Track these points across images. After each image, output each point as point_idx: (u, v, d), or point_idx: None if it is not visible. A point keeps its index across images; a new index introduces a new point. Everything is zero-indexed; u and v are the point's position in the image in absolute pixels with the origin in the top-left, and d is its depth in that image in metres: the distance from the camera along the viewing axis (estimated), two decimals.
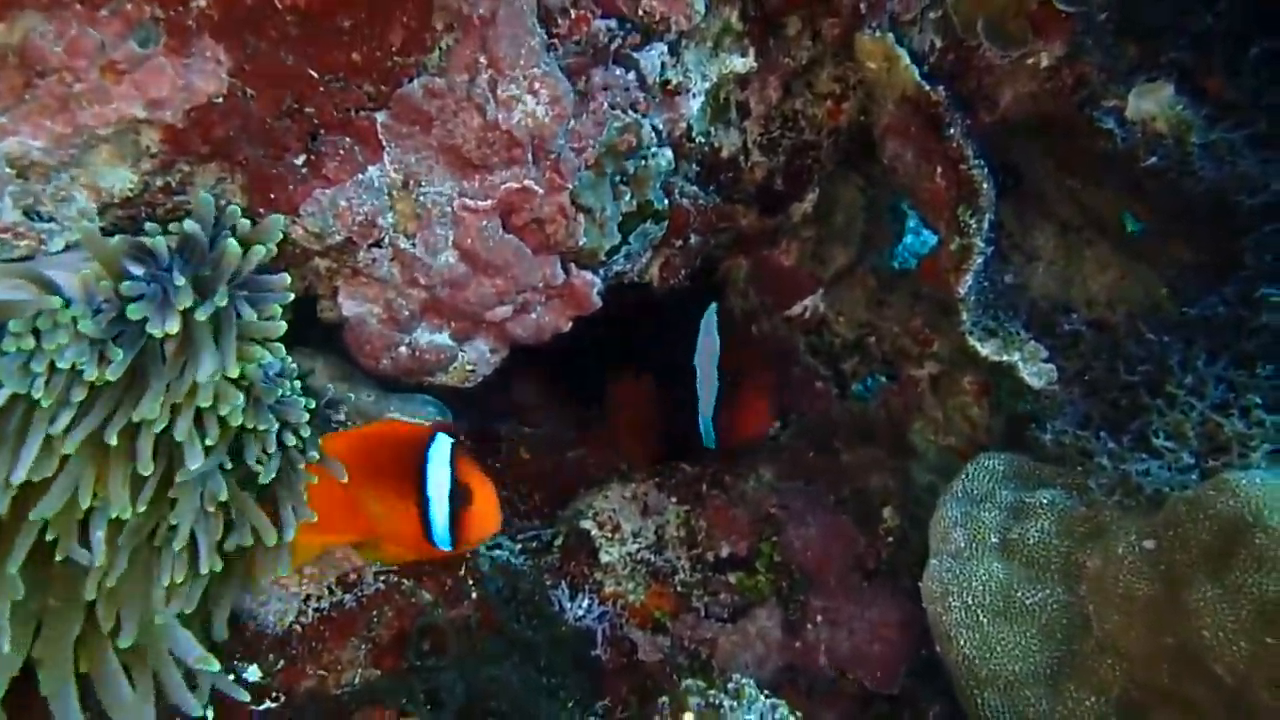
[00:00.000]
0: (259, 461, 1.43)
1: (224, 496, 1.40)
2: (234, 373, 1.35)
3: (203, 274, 1.38)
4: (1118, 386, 1.76)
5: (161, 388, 1.30)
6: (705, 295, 2.31)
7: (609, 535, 2.25)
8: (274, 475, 1.46)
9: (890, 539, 2.27)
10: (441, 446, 1.53)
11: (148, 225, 1.39)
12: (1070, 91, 1.88)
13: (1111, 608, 1.55)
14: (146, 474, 1.31)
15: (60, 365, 1.25)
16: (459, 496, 1.53)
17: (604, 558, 2.22)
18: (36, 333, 1.25)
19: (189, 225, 1.38)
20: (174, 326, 1.30)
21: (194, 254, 1.39)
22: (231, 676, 1.66)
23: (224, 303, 1.35)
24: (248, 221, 1.46)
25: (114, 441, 1.28)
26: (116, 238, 1.34)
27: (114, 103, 1.28)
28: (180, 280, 1.32)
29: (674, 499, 2.30)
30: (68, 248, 1.35)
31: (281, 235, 1.47)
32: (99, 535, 1.34)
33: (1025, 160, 2.18)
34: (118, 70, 1.27)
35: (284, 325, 1.43)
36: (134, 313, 1.29)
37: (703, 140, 2.08)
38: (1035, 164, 2.17)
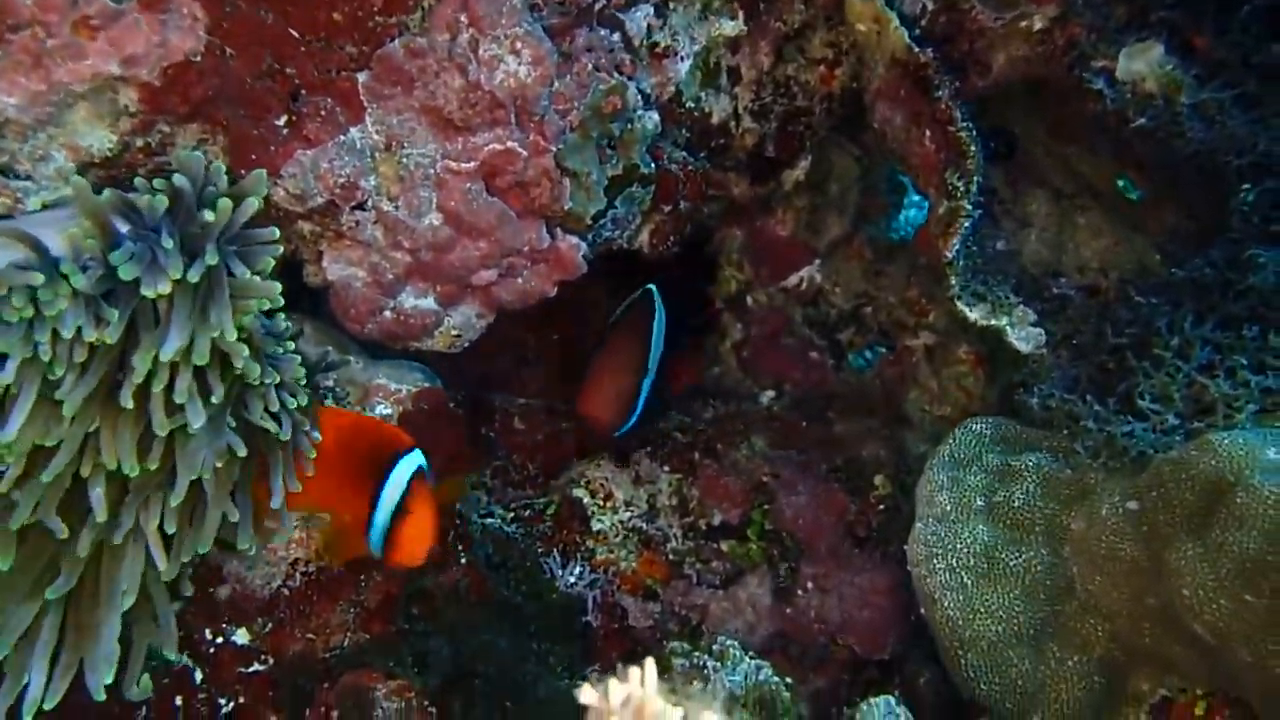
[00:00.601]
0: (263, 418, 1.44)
1: (242, 452, 1.41)
2: (232, 335, 1.35)
3: (191, 231, 1.38)
4: (1105, 350, 1.76)
5: (152, 346, 1.31)
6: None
7: (601, 503, 2.26)
8: (287, 433, 1.47)
9: (882, 507, 2.28)
10: (409, 462, 1.56)
11: (137, 181, 1.39)
12: (1061, 53, 1.86)
13: (1095, 569, 1.55)
14: (162, 433, 1.32)
15: (64, 332, 1.24)
16: (400, 514, 1.55)
17: (596, 525, 2.23)
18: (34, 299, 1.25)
19: (178, 180, 1.37)
20: (166, 287, 1.31)
21: (181, 211, 1.39)
22: (220, 639, 1.67)
23: (214, 261, 1.35)
24: (228, 178, 1.45)
25: (129, 404, 1.29)
26: (106, 192, 1.33)
27: (88, 59, 1.28)
28: (169, 242, 1.31)
29: (666, 468, 2.30)
30: (45, 207, 1.35)
31: (265, 191, 1.47)
32: (98, 493, 1.35)
33: (1018, 126, 2.17)
34: (91, 26, 1.27)
35: (278, 285, 1.43)
36: (126, 273, 1.29)
37: (692, 105, 2.06)
38: (1028, 129, 2.15)
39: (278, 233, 1.45)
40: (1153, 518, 1.48)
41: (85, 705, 1.51)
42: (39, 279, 1.19)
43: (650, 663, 0.87)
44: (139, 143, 1.44)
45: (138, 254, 1.30)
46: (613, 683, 0.87)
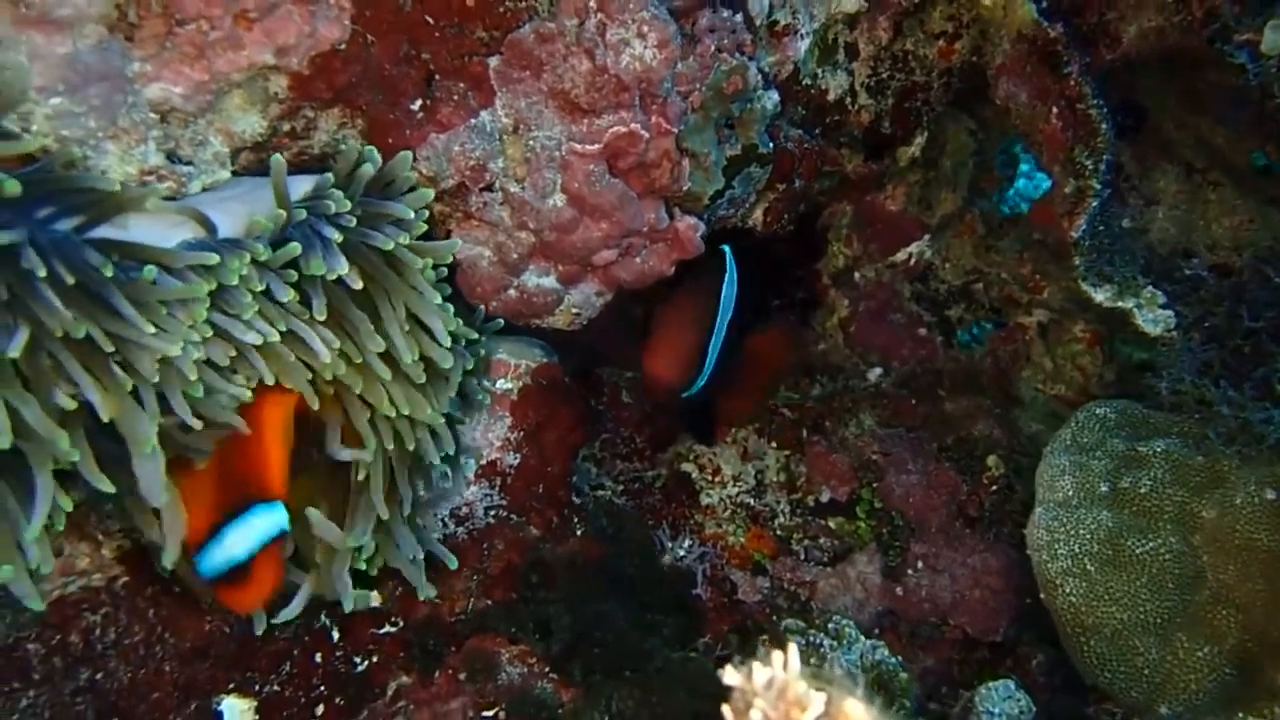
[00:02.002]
0: None
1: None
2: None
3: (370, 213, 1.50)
4: (1240, 333, 1.70)
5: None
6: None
7: (709, 478, 2.28)
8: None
9: (994, 487, 2.26)
10: (268, 520, 1.43)
11: (324, 177, 1.49)
12: (1200, 25, 1.80)
13: (1229, 559, 1.52)
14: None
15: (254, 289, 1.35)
16: (234, 573, 1.42)
17: (704, 500, 2.26)
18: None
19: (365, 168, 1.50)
20: (344, 267, 1.41)
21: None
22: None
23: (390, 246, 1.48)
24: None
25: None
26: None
27: (246, 50, 1.34)
28: (335, 235, 1.41)
29: (774, 444, 2.32)
30: (204, 189, 1.43)
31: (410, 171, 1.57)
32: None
33: (1147, 99, 2.10)
34: (249, 18, 1.33)
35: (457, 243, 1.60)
36: (316, 268, 1.39)
37: (809, 83, 2.05)
38: (1157, 103, 2.08)
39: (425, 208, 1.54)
40: None
41: (235, 652, 1.61)
42: (213, 259, 1.27)
43: (794, 647, 0.89)
44: (285, 127, 1.51)
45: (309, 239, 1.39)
46: (756, 665, 0.89)
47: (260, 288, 1.36)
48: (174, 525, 1.37)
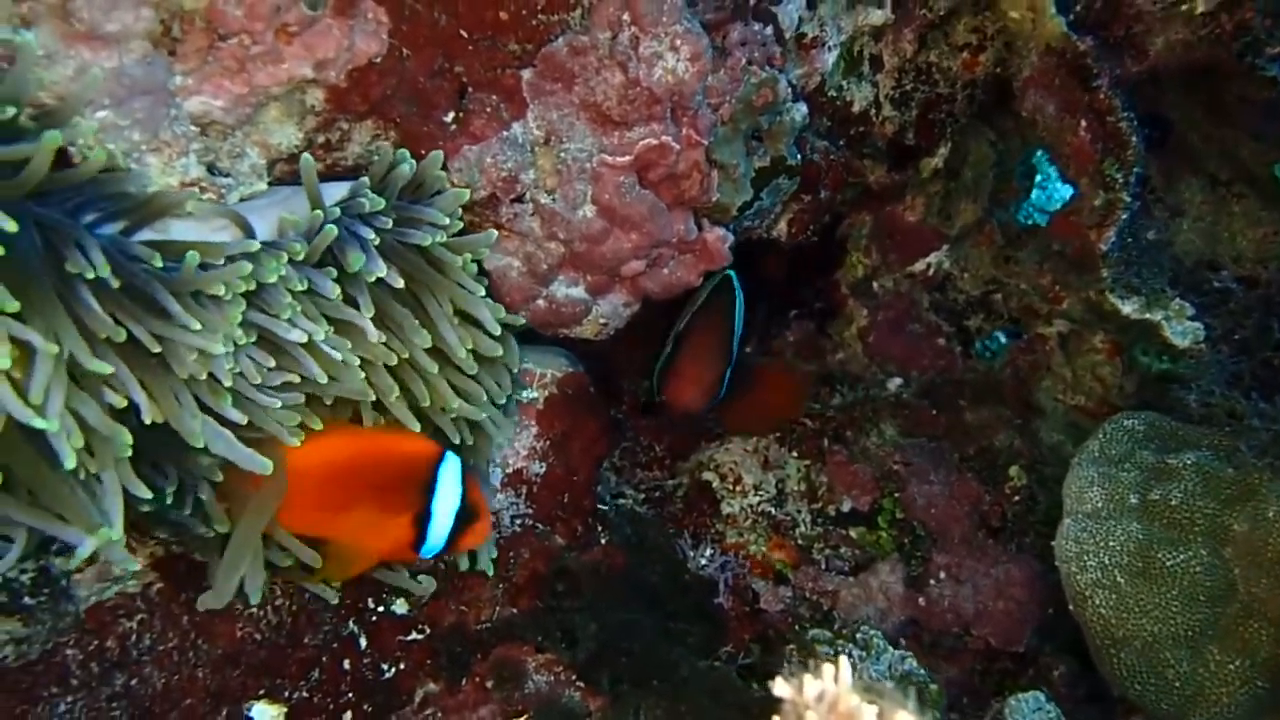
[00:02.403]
0: None
1: None
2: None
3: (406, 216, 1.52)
4: (1271, 345, 1.70)
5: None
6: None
7: (730, 487, 2.29)
8: None
9: (1016, 498, 2.26)
10: (451, 468, 1.57)
11: (360, 181, 1.50)
12: (1230, 38, 1.80)
13: (1261, 572, 1.52)
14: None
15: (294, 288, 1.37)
16: (465, 515, 1.57)
17: (725, 509, 2.26)
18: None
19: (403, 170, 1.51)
20: (382, 270, 1.43)
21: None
22: (381, 609, 1.76)
23: (428, 241, 1.50)
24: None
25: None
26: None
27: (286, 64, 1.36)
28: (371, 234, 1.42)
29: (795, 453, 2.32)
30: (242, 200, 1.44)
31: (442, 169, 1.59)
32: None
33: (1174, 111, 2.10)
34: (289, 32, 1.34)
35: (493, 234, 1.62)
36: (355, 263, 1.40)
37: (834, 94, 2.06)
38: (1185, 115, 2.08)
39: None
40: None
41: (266, 658, 1.62)
42: (255, 246, 1.29)
43: (845, 660, 0.90)
44: (320, 139, 1.52)
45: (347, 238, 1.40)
46: (808, 678, 0.90)
47: (301, 287, 1.36)
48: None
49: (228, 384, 1.29)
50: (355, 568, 1.63)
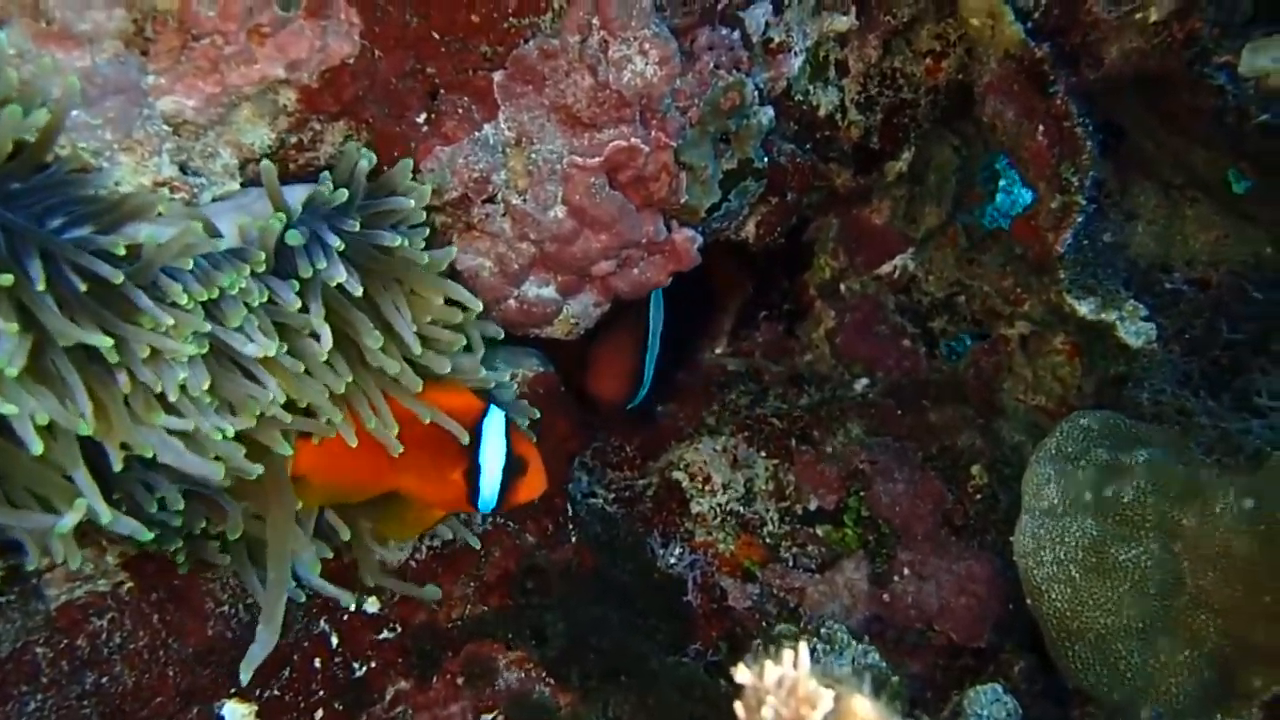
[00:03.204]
0: None
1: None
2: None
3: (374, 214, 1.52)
4: (1219, 345, 1.76)
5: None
6: None
7: (700, 486, 2.31)
8: None
9: (979, 496, 2.30)
10: (496, 419, 1.63)
11: (322, 176, 1.51)
12: (1180, 47, 1.85)
13: (1208, 565, 1.57)
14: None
15: (252, 303, 1.37)
16: (513, 466, 1.63)
17: (694, 508, 2.29)
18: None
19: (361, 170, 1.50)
20: (343, 275, 1.44)
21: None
22: (354, 607, 1.78)
23: (397, 242, 1.50)
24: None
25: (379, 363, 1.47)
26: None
27: (259, 64, 1.37)
28: (336, 241, 1.42)
29: (763, 453, 2.35)
30: (214, 200, 1.45)
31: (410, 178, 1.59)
32: None
33: (1129, 117, 2.16)
34: (262, 33, 1.35)
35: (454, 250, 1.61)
36: (305, 271, 1.41)
37: (801, 98, 2.10)
38: (1139, 121, 2.14)
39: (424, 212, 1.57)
40: (1270, 515, 1.49)
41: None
42: (222, 244, 1.29)
43: (804, 646, 0.93)
44: (293, 139, 1.53)
45: (310, 239, 1.41)
46: (768, 663, 0.92)
47: (260, 300, 1.37)
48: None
49: (173, 397, 1.30)
50: (417, 523, 1.70)
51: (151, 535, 1.37)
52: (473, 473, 1.62)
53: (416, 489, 1.65)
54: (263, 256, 1.38)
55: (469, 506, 1.66)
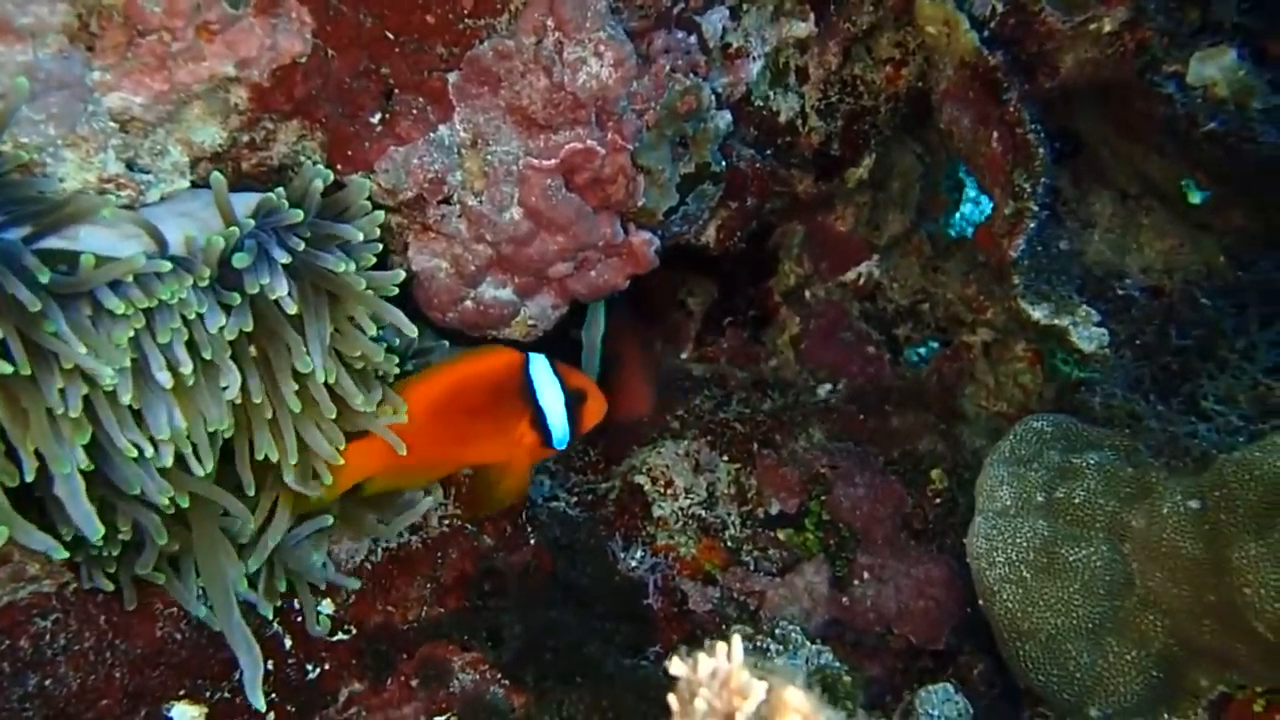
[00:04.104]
0: None
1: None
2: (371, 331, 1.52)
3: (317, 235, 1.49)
4: (1169, 351, 1.78)
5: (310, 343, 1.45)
6: None
7: (662, 490, 2.31)
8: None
9: (939, 500, 2.32)
10: (539, 363, 1.70)
11: (277, 191, 1.49)
12: (1131, 57, 1.88)
13: (1156, 565, 1.59)
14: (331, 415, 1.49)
15: (189, 315, 1.34)
16: (573, 399, 1.71)
17: (656, 511, 2.29)
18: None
19: (313, 184, 1.49)
20: (284, 289, 1.41)
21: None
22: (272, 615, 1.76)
23: (342, 268, 1.47)
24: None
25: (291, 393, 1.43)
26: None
27: (207, 61, 1.37)
28: (284, 257, 1.41)
29: (725, 457, 2.35)
30: (163, 199, 1.44)
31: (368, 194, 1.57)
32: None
33: (1084, 127, 2.19)
34: (211, 30, 1.35)
35: (400, 274, 1.58)
36: (251, 288, 1.39)
37: (761, 104, 2.11)
38: (1094, 131, 2.17)
39: (377, 232, 1.54)
40: (1215, 517, 1.51)
41: (186, 658, 1.62)
42: (166, 266, 1.27)
43: (737, 639, 0.93)
44: (245, 138, 1.53)
45: (258, 256, 1.39)
46: (701, 656, 0.93)
47: (200, 309, 1.35)
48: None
49: (74, 415, 1.27)
50: (510, 486, 1.76)
51: (67, 554, 1.35)
52: (539, 419, 1.69)
53: (491, 455, 1.73)
54: (207, 273, 1.36)
55: (548, 450, 1.74)
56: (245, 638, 1.57)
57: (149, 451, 1.34)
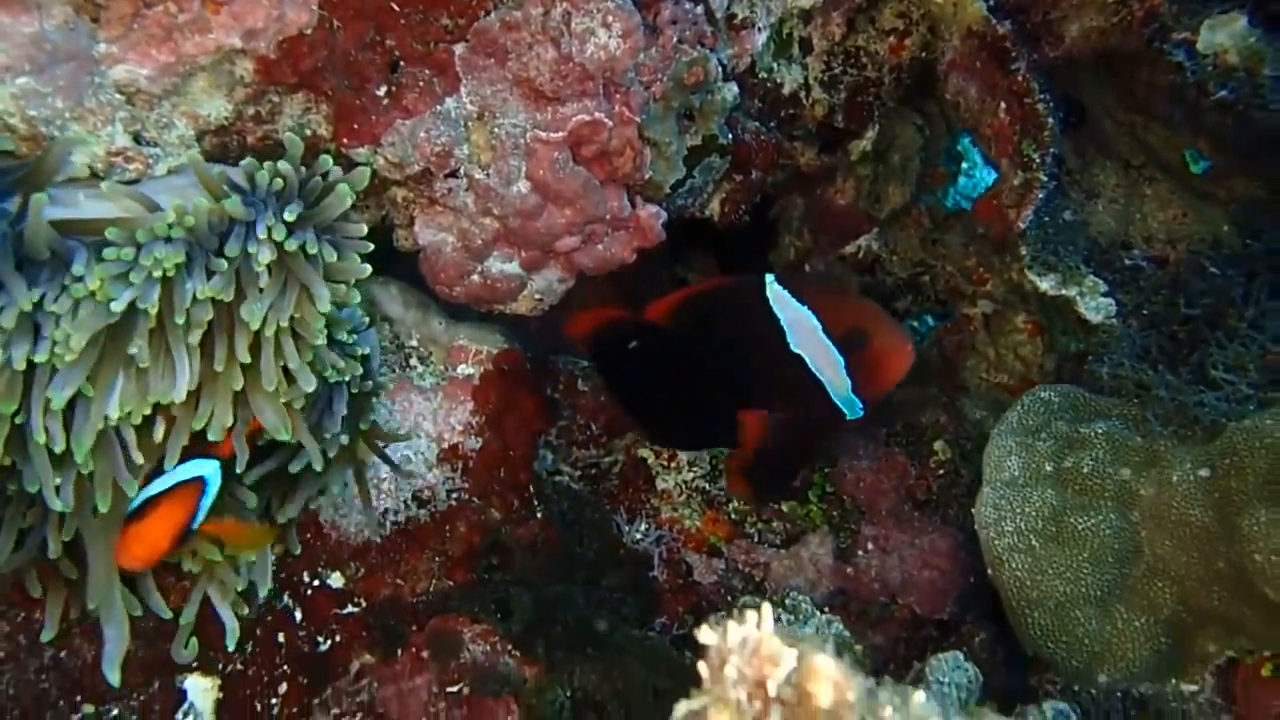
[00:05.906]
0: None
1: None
2: (325, 308, 1.42)
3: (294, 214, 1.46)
4: (1177, 320, 1.78)
5: (265, 303, 1.38)
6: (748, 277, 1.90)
7: (665, 463, 2.32)
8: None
9: (941, 472, 2.32)
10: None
11: (245, 161, 1.46)
12: (1140, 25, 1.87)
13: (1165, 533, 1.60)
14: (270, 388, 1.42)
15: (162, 267, 1.31)
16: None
17: (660, 485, 2.29)
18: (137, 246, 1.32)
19: (283, 166, 1.44)
20: (268, 256, 1.38)
21: (285, 193, 1.46)
22: (316, 582, 1.77)
23: (315, 249, 1.43)
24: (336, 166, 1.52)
25: (245, 357, 1.37)
26: (217, 168, 1.41)
27: (213, 33, 1.35)
28: (271, 219, 1.38)
29: None
30: (169, 172, 1.43)
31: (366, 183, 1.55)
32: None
33: (1088, 96, 2.18)
34: (217, 1, 1.33)
35: (368, 268, 1.51)
36: (233, 250, 1.37)
37: (765, 76, 2.10)
38: (1098, 99, 2.16)
39: (365, 229, 1.52)
40: (1224, 484, 1.51)
41: (199, 633, 1.62)
42: (165, 217, 1.26)
43: (767, 606, 0.93)
44: (250, 111, 1.51)
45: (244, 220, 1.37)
46: (731, 624, 0.93)
47: (174, 262, 1.31)
48: None
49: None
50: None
51: None
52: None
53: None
54: (191, 221, 1.34)
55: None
56: (119, 611, 1.52)
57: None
